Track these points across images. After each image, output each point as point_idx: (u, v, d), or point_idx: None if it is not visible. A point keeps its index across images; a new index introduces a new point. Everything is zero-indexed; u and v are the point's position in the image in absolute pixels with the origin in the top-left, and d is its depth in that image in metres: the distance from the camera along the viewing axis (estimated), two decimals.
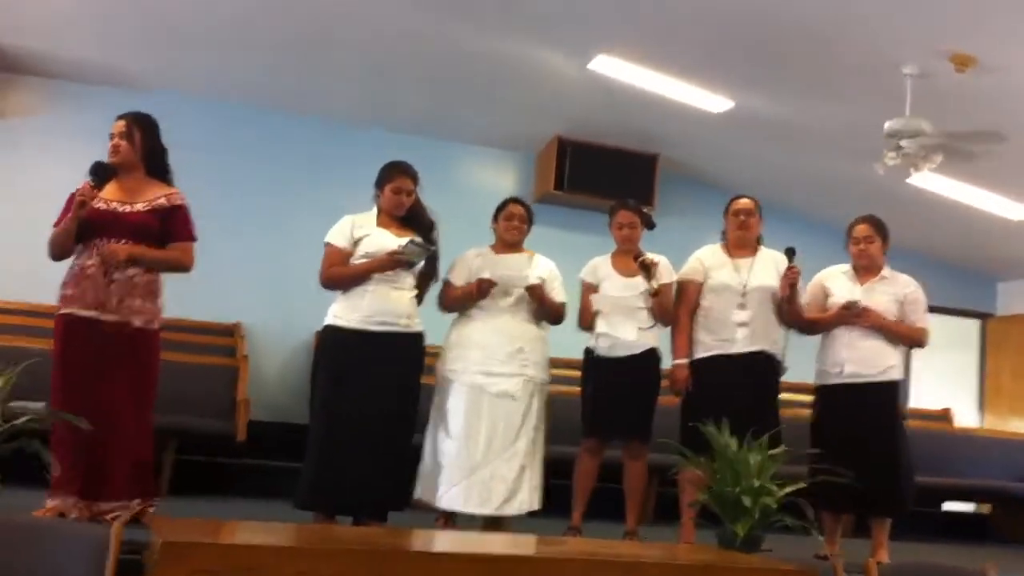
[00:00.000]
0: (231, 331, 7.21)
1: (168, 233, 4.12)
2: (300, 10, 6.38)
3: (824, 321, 4.96)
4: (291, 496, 4.51)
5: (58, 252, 4.06)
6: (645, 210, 5.29)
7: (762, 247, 5.02)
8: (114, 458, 3.93)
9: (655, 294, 4.90)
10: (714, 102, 7.09)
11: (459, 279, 4.90)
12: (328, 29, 6.64)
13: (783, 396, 5.04)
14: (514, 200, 5.12)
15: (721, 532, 4.03)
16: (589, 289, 5.06)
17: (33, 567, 2.78)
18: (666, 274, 5.02)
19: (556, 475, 5.17)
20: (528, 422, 4.77)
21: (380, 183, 4.66)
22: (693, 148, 8.14)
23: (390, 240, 4.54)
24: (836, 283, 5.03)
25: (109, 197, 4.04)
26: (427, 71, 7.16)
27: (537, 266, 4.98)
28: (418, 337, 4.61)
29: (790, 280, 4.82)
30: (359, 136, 7.77)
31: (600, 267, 5.09)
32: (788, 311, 4.90)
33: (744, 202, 5.01)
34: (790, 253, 4.85)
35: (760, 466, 3.99)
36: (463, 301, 4.87)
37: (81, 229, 3.99)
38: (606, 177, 7.92)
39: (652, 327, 4.97)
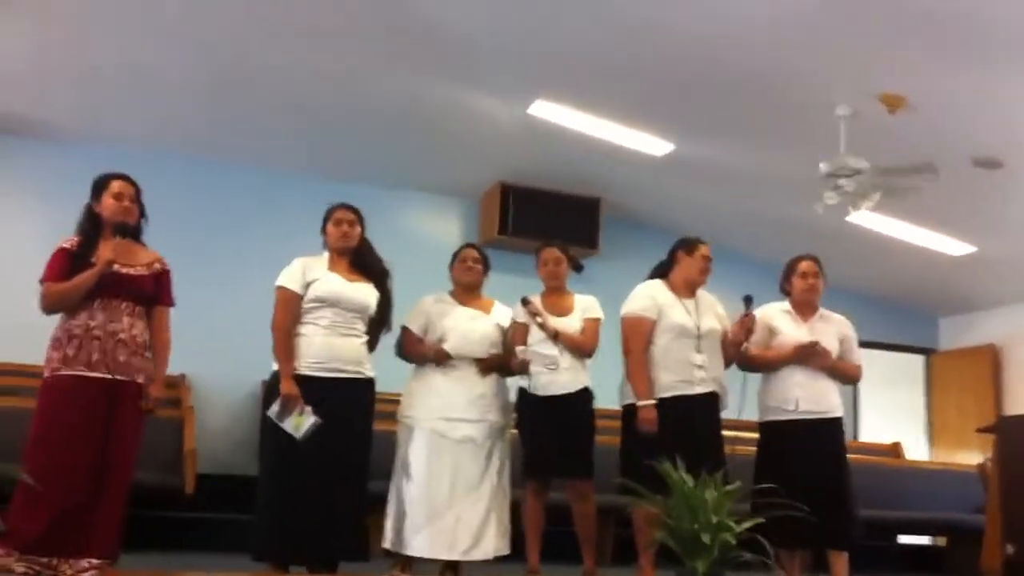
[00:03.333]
0: (176, 383, 7.09)
1: (157, 297, 4.24)
2: (231, 56, 6.37)
3: (776, 359, 5.01)
4: (240, 548, 4.44)
5: (61, 307, 4.08)
6: (573, 252, 5.33)
7: (700, 290, 5.06)
8: (89, 516, 3.93)
9: (555, 337, 4.95)
10: (654, 145, 7.19)
11: (415, 325, 4.87)
12: (259, 75, 6.63)
13: (733, 434, 5.06)
14: (469, 245, 5.16)
15: (681, 570, 4.02)
16: (520, 327, 5.09)
17: None
18: (594, 310, 5.09)
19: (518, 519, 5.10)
20: (492, 466, 4.74)
21: (324, 223, 4.68)
22: (635, 191, 8.25)
23: (342, 284, 4.53)
24: (781, 322, 5.07)
25: (107, 258, 4.07)
26: (366, 118, 7.18)
27: (497, 316, 4.97)
28: (369, 383, 4.59)
29: (747, 327, 4.88)
30: (299, 184, 7.77)
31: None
32: (735, 355, 4.97)
33: (709, 247, 5.03)
34: (748, 301, 4.89)
35: (717, 502, 3.99)
36: (419, 357, 4.83)
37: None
38: (550, 221, 7.98)
39: (582, 366, 5.00)
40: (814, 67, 5.81)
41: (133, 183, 4.27)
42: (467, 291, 4.98)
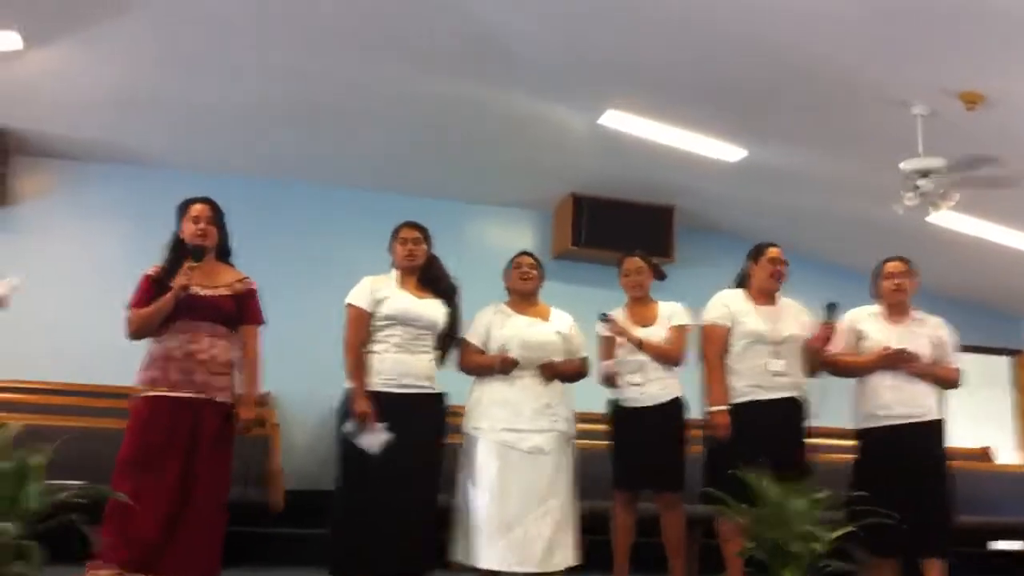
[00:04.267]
0: (261, 401, 7.21)
1: (242, 317, 4.33)
2: (310, 83, 6.50)
3: (863, 365, 4.92)
4: (326, 563, 4.50)
5: (145, 332, 4.21)
6: (655, 261, 5.33)
7: (780, 296, 5.02)
8: (181, 535, 4.00)
9: (639, 346, 4.92)
10: (727, 151, 7.14)
11: (475, 337, 4.87)
12: (337, 99, 6.74)
13: (813, 441, 5.00)
14: (523, 252, 5.10)
15: None
16: (607, 341, 5.10)
17: None
18: (680, 317, 5.08)
19: (589, 531, 5.10)
20: (560, 477, 4.75)
21: (391, 243, 4.73)
22: (709, 198, 8.19)
23: (411, 302, 4.58)
24: (869, 326, 4.99)
25: (180, 283, 4.17)
26: (439, 134, 7.24)
27: (556, 323, 4.97)
28: (439, 397, 4.64)
29: (827, 335, 4.83)
30: (375, 202, 7.84)
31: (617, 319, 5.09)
32: (816, 361, 4.92)
33: (779, 250, 5.01)
34: (831, 308, 4.85)
35: (806, 511, 3.95)
36: (483, 369, 4.84)
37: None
38: (623, 231, 7.95)
39: (672, 376, 4.98)
40: (889, 66, 5.72)
41: (212, 205, 4.36)
42: (524, 299, 4.97)
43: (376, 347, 4.58)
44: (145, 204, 7.24)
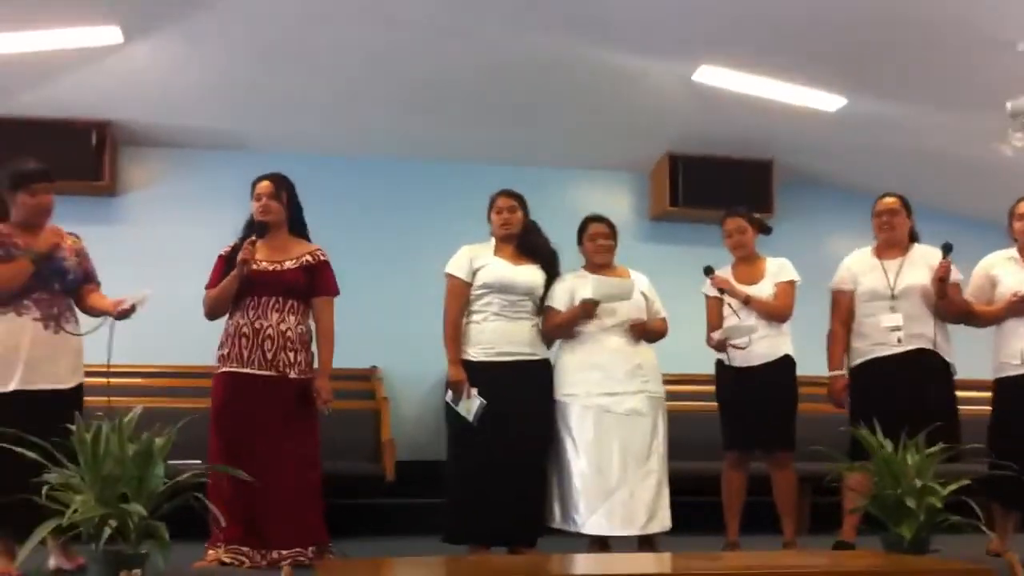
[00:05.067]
0: (368, 375, 7.37)
1: (314, 288, 4.31)
2: (398, 61, 6.54)
3: (993, 313, 4.76)
4: (438, 532, 4.58)
5: (217, 311, 4.27)
6: (757, 215, 5.24)
7: (915, 245, 4.89)
8: (276, 508, 4.06)
9: (746, 302, 4.85)
10: (826, 101, 6.97)
11: (560, 303, 4.79)
12: (426, 74, 6.76)
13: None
14: (594, 219, 4.99)
15: (886, 537, 3.93)
16: (714, 302, 5.05)
17: None
18: (786, 273, 5.00)
19: (682, 492, 5.01)
20: (656, 438, 4.72)
21: (488, 212, 4.75)
22: (809, 150, 7.99)
23: (507, 269, 4.60)
24: (1004, 270, 4.80)
25: (257, 256, 4.21)
26: (532, 98, 7.21)
27: (637, 284, 4.90)
28: (544, 364, 4.65)
29: (939, 274, 4.66)
30: (472, 173, 7.85)
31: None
32: (942, 305, 4.74)
33: (886, 201, 4.90)
34: (946, 248, 4.69)
35: (919, 466, 3.88)
36: (567, 326, 4.76)
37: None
38: (721, 189, 7.79)
39: (780, 333, 4.91)
40: (992, 5, 5.51)
41: (276, 181, 4.35)
42: (600, 268, 4.93)
43: (475, 316, 4.62)
44: (246, 189, 7.39)
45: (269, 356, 4.17)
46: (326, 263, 4.39)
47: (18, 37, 6.05)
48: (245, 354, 4.17)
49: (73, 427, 3.36)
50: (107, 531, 3.28)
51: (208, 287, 4.30)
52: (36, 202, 4.04)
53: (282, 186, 4.36)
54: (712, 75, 6.73)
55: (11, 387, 3.92)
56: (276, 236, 4.31)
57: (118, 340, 3.99)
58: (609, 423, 4.65)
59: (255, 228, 4.25)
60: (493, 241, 4.75)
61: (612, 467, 4.60)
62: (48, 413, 3.44)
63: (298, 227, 4.43)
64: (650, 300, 4.89)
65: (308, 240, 4.44)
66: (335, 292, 4.41)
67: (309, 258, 4.35)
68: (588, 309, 4.67)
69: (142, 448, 3.36)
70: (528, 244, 4.74)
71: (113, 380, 4.05)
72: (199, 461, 3.77)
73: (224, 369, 4.21)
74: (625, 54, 6.61)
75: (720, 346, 4.95)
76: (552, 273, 4.74)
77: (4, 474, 3.60)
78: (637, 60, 6.70)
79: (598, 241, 4.87)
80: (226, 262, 4.28)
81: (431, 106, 7.26)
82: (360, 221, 7.66)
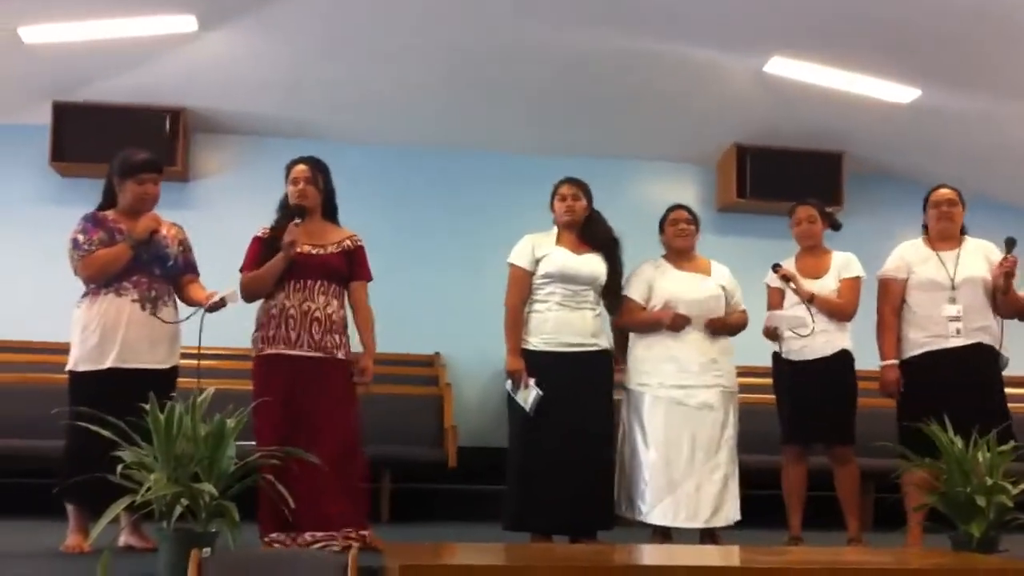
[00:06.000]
0: (431, 361, 7.43)
1: (352, 273, 4.34)
2: (464, 54, 6.60)
3: None
4: (498, 519, 4.61)
5: (258, 292, 4.25)
6: (829, 210, 5.18)
7: (967, 237, 4.82)
8: (325, 489, 4.04)
9: (810, 300, 4.79)
10: (899, 92, 6.87)
11: (637, 293, 4.83)
12: (492, 67, 6.82)
13: (1008, 391, 4.79)
14: (677, 206, 5.01)
15: (954, 535, 3.88)
16: (775, 291, 5.01)
17: None
18: (851, 269, 4.92)
19: (746, 485, 4.96)
20: (726, 432, 4.72)
21: (551, 200, 4.75)
22: (880, 142, 7.88)
23: (570, 258, 4.60)
24: None
25: (287, 240, 4.18)
26: (597, 90, 7.20)
27: (718, 276, 4.91)
28: (605, 354, 4.65)
29: (1005, 270, 4.59)
30: (538, 165, 7.85)
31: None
32: (1004, 302, 4.67)
33: (944, 192, 4.82)
34: (1010, 243, 4.61)
35: (991, 463, 3.82)
36: (648, 327, 4.79)
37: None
38: (790, 181, 7.72)
39: (839, 329, 4.86)
40: None
41: (312, 165, 4.34)
42: (682, 254, 4.92)
43: (538, 305, 4.62)
44: None
45: (317, 338, 4.17)
46: (362, 248, 4.40)
47: (97, 25, 6.20)
48: (293, 336, 4.16)
49: (147, 406, 3.44)
50: (178, 509, 3.36)
51: (243, 269, 4.28)
52: (143, 191, 4.24)
53: (318, 170, 4.35)
54: (784, 67, 6.67)
55: (106, 364, 4.09)
56: (312, 220, 4.30)
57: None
58: (680, 415, 4.66)
59: (293, 211, 4.24)
60: (555, 230, 4.75)
61: (680, 459, 4.61)
62: (140, 392, 3.52)
63: (331, 212, 4.43)
64: (729, 293, 4.88)
65: (338, 224, 4.44)
66: (370, 277, 4.42)
67: (348, 243, 4.36)
68: (677, 325, 4.70)
69: (214, 429, 3.43)
70: (590, 233, 4.73)
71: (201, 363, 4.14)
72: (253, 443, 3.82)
73: (270, 351, 4.19)
74: (695, 47, 6.58)
75: (771, 334, 4.92)
76: (613, 262, 4.73)
77: (84, 451, 3.72)
78: (707, 52, 6.67)
79: (679, 225, 4.89)
80: (263, 245, 4.28)
81: (497, 98, 7.29)
82: (424, 211, 7.73)
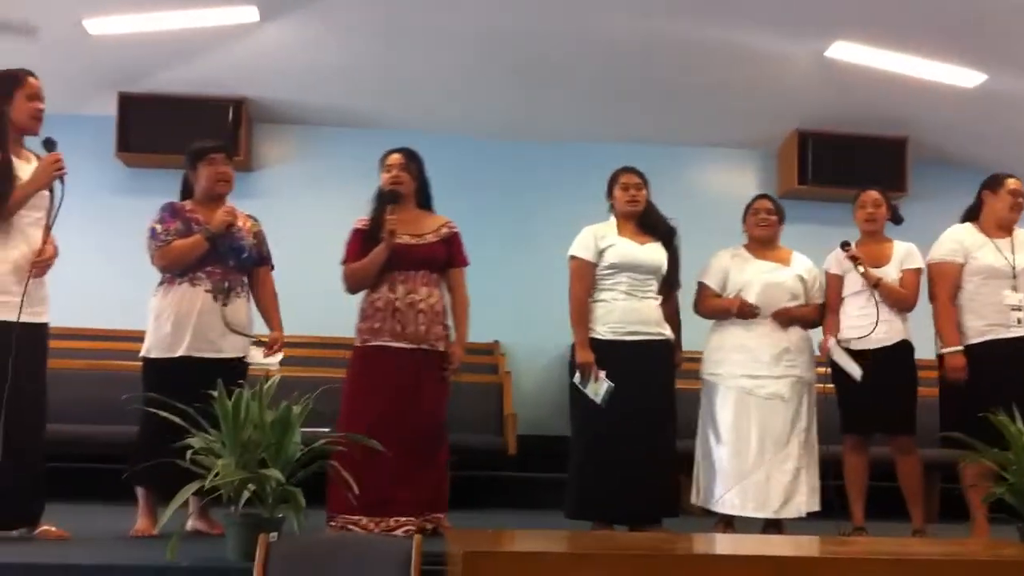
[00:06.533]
0: (490, 350, 7.46)
1: (450, 260, 4.39)
2: (520, 42, 6.61)
3: None
4: (557, 507, 4.62)
5: (362, 284, 4.33)
6: (892, 198, 5.12)
7: (1017, 227, 4.75)
8: (418, 476, 4.15)
9: (875, 286, 4.73)
10: (964, 76, 6.76)
11: (712, 281, 4.88)
12: (548, 53, 6.81)
13: None
14: (762, 196, 5.07)
15: (1022, 527, 3.82)
16: (834, 280, 4.94)
17: None
18: (914, 259, 4.86)
19: (825, 476, 4.98)
20: (799, 423, 4.71)
21: (609, 189, 4.74)
22: (944, 128, 7.75)
23: (633, 248, 4.59)
24: None
25: (388, 229, 4.25)
26: (656, 77, 7.17)
27: (797, 267, 4.89)
28: (669, 343, 4.64)
29: None
30: (592, 152, 7.84)
31: (843, 259, 4.93)
32: None
33: (1018, 181, 4.73)
34: None
35: None
36: (720, 313, 4.84)
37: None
38: (852, 167, 7.63)
39: (898, 318, 4.79)
40: None
41: (406, 154, 4.41)
42: (763, 244, 4.91)
43: (603, 295, 4.62)
44: (373, 165, 7.52)
45: (423, 330, 4.24)
46: (458, 234, 4.46)
47: (160, 16, 6.29)
48: (398, 328, 4.23)
49: (215, 392, 3.50)
50: (245, 495, 3.43)
51: (345, 262, 4.36)
52: (215, 170, 4.36)
53: (412, 159, 4.43)
54: (846, 51, 6.59)
55: (179, 353, 4.18)
56: (407, 209, 4.36)
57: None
58: (749, 405, 4.67)
59: (387, 197, 4.31)
60: (614, 220, 4.75)
61: (749, 449, 4.63)
62: (210, 380, 3.59)
63: (426, 201, 4.49)
64: (809, 284, 4.86)
65: (434, 212, 4.49)
66: (467, 263, 4.49)
67: (445, 230, 4.42)
68: (745, 313, 4.72)
69: (280, 416, 3.49)
70: (649, 222, 4.73)
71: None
72: (327, 429, 3.87)
73: (374, 343, 4.26)
74: (756, 32, 6.52)
75: (824, 354, 4.86)
76: (671, 251, 4.72)
77: (154, 437, 3.80)
78: (768, 37, 6.60)
79: (760, 215, 4.91)
80: (363, 236, 4.35)
81: (554, 86, 7.28)
82: (480, 199, 7.72)
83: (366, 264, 4.26)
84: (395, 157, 4.42)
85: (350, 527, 4.09)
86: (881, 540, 4.16)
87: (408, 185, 4.38)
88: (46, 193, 3.86)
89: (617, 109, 7.65)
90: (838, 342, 4.80)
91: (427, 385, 4.25)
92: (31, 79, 3.92)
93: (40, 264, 3.82)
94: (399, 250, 4.24)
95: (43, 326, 3.96)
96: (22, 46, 6.21)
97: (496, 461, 6.34)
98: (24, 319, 3.74)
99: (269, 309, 4.45)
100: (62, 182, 3.87)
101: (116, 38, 6.47)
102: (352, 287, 4.35)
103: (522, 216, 7.84)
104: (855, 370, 4.70)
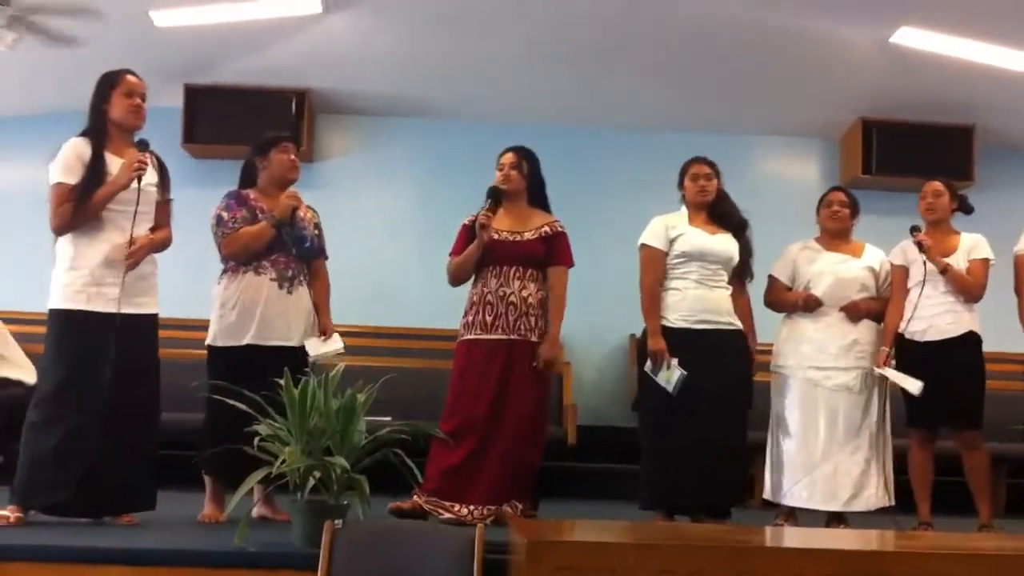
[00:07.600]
0: None
1: (550, 258, 4.45)
2: (584, 27, 6.56)
3: None
4: (619, 496, 4.64)
5: (460, 278, 4.49)
6: (959, 188, 5.04)
7: None
8: (492, 466, 4.26)
9: (943, 271, 4.65)
10: None
11: (782, 273, 4.86)
12: (614, 40, 6.75)
13: None
14: (835, 188, 5.07)
15: None
16: (899, 272, 4.86)
17: (405, 567, 3.01)
18: (981, 250, 4.81)
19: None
20: (870, 415, 4.67)
21: (680, 179, 4.72)
22: (1013, 115, 7.58)
23: (705, 237, 4.58)
24: None
25: (499, 227, 4.38)
26: (719, 65, 7.09)
27: (868, 259, 4.85)
28: (740, 333, 4.62)
29: None
30: (658, 141, 7.80)
31: (908, 250, 4.87)
32: None
33: None
34: None
35: None
36: (787, 306, 4.85)
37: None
38: (918, 155, 7.49)
39: (966, 309, 4.71)
40: None
41: (519, 153, 4.51)
42: (834, 236, 4.88)
43: (675, 283, 4.61)
44: (434, 155, 7.58)
45: (512, 320, 4.33)
46: (562, 234, 4.53)
47: (225, 8, 6.36)
48: (489, 320, 4.34)
49: (282, 381, 3.55)
50: (311, 482, 3.48)
51: (452, 254, 4.50)
52: (286, 157, 4.44)
53: (524, 157, 4.53)
54: (912, 37, 6.47)
55: (245, 341, 4.27)
56: (516, 206, 4.48)
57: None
58: (816, 397, 4.66)
59: (489, 194, 4.42)
60: (684, 210, 4.73)
61: (817, 441, 4.62)
62: (276, 368, 3.66)
63: (540, 200, 4.57)
64: (879, 275, 4.82)
65: (546, 211, 4.56)
66: (570, 263, 4.54)
67: (547, 229, 4.49)
68: (809, 306, 4.73)
69: (345, 404, 3.53)
70: (720, 213, 4.72)
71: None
72: (389, 418, 3.92)
73: (468, 336, 4.39)
74: (819, 18, 6.43)
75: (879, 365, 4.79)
76: (742, 242, 4.70)
77: (221, 424, 3.87)
78: (831, 24, 6.51)
79: (833, 207, 4.91)
80: (469, 231, 4.46)
81: (617, 74, 7.24)
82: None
83: (463, 259, 4.41)
84: (508, 156, 4.53)
85: (425, 508, 4.20)
86: (948, 535, 4.11)
87: (516, 182, 4.47)
88: (136, 186, 3.92)
89: (682, 97, 7.58)
90: (887, 359, 4.73)
91: (517, 375, 4.33)
92: (128, 77, 4.03)
93: (132, 256, 3.88)
94: (496, 246, 4.35)
95: (150, 317, 4.05)
96: (92, 40, 6.32)
97: (557, 451, 6.33)
98: (127, 310, 3.82)
99: (323, 300, 4.50)
100: (139, 181, 3.93)
101: (182, 30, 6.54)
102: (452, 280, 4.52)
103: (584, 205, 7.78)
104: (913, 385, 4.63)
